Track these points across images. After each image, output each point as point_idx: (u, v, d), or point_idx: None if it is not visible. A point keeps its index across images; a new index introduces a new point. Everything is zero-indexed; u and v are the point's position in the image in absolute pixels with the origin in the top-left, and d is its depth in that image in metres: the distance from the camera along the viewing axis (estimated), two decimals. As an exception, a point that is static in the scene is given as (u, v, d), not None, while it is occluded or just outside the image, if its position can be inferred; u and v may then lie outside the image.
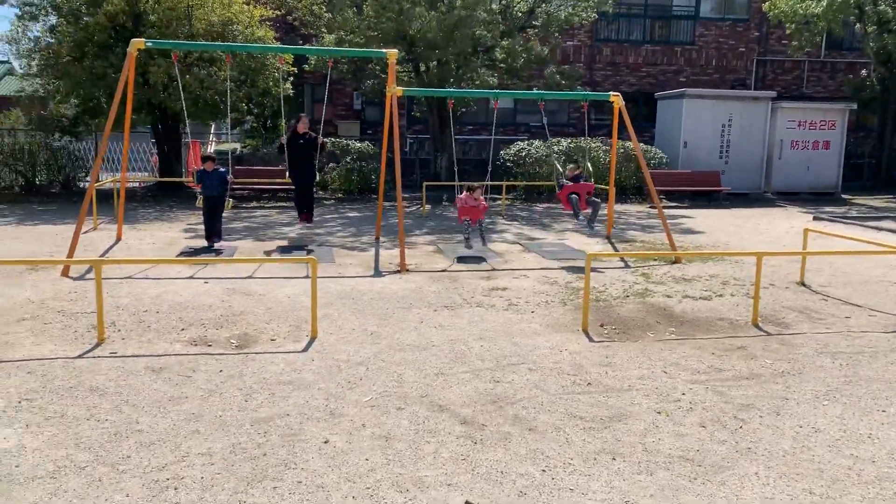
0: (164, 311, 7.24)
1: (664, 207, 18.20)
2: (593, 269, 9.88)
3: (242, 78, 18.07)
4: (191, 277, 8.78)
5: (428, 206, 16.68)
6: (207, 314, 7.15)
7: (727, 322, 7.32)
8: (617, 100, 11.36)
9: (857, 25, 22.07)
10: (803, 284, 9.09)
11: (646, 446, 4.31)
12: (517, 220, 15.09)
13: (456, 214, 11.37)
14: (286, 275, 9.02)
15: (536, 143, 19.79)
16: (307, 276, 8.92)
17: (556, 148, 19.38)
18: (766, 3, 21.15)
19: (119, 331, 6.53)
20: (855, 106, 21.29)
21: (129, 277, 8.70)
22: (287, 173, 11.42)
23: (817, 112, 20.63)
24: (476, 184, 11.06)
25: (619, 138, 19.61)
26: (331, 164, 18.72)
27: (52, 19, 17.11)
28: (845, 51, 28.12)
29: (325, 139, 11.59)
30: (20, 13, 16.74)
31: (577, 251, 11.37)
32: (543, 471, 3.98)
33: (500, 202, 17.24)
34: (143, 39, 9.80)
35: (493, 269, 9.81)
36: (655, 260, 10.80)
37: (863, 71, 25.41)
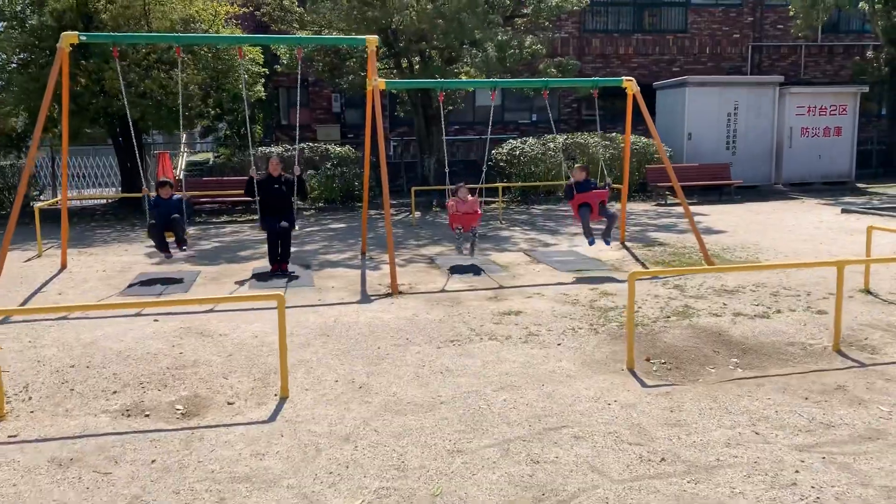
0: (96, 364, 5.72)
1: (671, 204, 16.86)
2: (615, 281, 8.46)
3: (210, 82, 16.53)
4: (138, 314, 7.26)
5: (417, 214, 15.20)
6: (151, 367, 5.63)
7: (800, 348, 5.90)
8: (630, 85, 9.95)
9: (862, 3, 20.81)
10: (869, 292, 7.69)
11: (783, 580, 2.85)
12: (518, 225, 13.64)
13: (448, 220, 9.93)
14: (255, 305, 7.52)
15: (531, 140, 18.36)
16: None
17: (551, 145, 17.99)
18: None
19: (31, 398, 5.00)
20: (867, 88, 19.99)
21: (63, 318, 7.15)
22: (259, 222, 9.45)
23: (827, 97, 19.33)
24: (461, 184, 9.73)
25: (617, 130, 18.23)
26: (309, 172, 17.20)
27: (-5, 25, 15.50)
28: (842, 33, 26.98)
29: (301, 171, 9.55)
30: (-43, 18, 15.11)
31: (592, 260, 9.93)
32: None
33: (496, 206, 15.80)
34: (75, 33, 8.28)
35: (501, 287, 8.35)
36: (684, 266, 9.39)
37: (868, 52, 24.18)
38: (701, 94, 18.67)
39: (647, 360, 5.71)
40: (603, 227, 9.71)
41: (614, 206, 11.51)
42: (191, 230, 13.94)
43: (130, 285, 8.69)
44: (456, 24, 14.65)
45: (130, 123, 9.52)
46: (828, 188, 19.03)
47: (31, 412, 4.76)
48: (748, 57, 26.65)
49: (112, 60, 14.77)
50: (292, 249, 11.01)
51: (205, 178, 16.77)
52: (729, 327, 6.50)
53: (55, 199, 14.16)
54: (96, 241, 12.58)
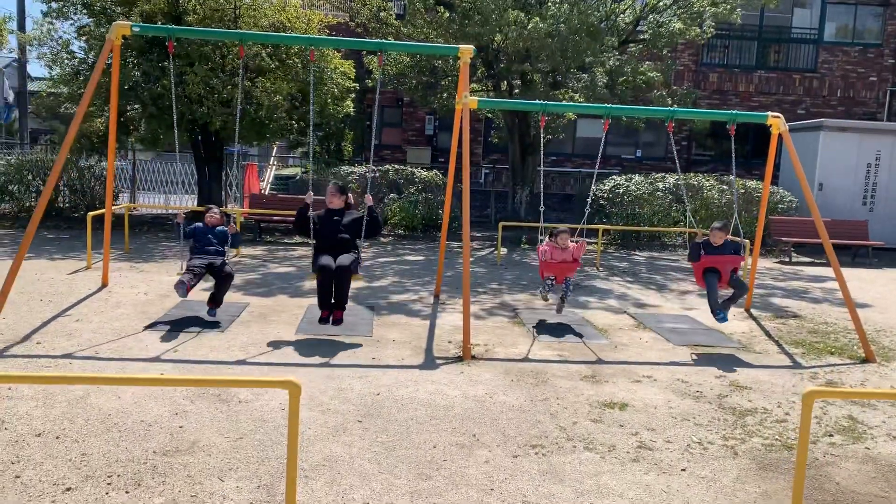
0: (69, 434, 4.42)
1: (797, 263, 14.68)
2: (747, 366, 6.65)
3: (297, 94, 15.56)
4: (155, 359, 6.00)
5: (504, 251, 13.65)
6: (134, 447, 4.28)
7: None
8: (778, 123, 8.14)
9: None
10: None
11: None
12: (617, 275, 11.88)
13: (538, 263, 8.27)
14: (294, 360, 6.16)
15: (636, 178, 16.54)
16: (326, 364, 6.01)
17: (660, 185, 16.14)
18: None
19: (-41, 486, 3.72)
20: None
21: (68, 356, 5.97)
22: (312, 264, 7.25)
23: None
24: (562, 226, 8.06)
25: (720, 173, 16.22)
26: (392, 196, 15.97)
27: (84, 19, 14.98)
28: None
29: (374, 203, 7.39)
30: (46, 9, 14.63)
31: (712, 332, 8.11)
32: None
33: (593, 249, 14.08)
34: (128, 23, 7.22)
35: (600, 361, 6.69)
36: (832, 353, 7.46)
37: None
38: (838, 140, 16.41)
39: (815, 512, 3.95)
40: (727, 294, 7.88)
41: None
42: (258, 250, 12.92)
43: (159, 321, 7.41)
44: (569, 45, 13.10)
45: (170, 127, 8.60)
46: (984, 258, 16.34)
47: (-55, 513, 3.47)
48: (885, 103, 24.00)
49: (196, 62, 14.09)
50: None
51: (280, 196, 15.78)
52: (925, 465, 4.64)
53: (102, 210, 13.34)
54: (155, 256, 11.64)
